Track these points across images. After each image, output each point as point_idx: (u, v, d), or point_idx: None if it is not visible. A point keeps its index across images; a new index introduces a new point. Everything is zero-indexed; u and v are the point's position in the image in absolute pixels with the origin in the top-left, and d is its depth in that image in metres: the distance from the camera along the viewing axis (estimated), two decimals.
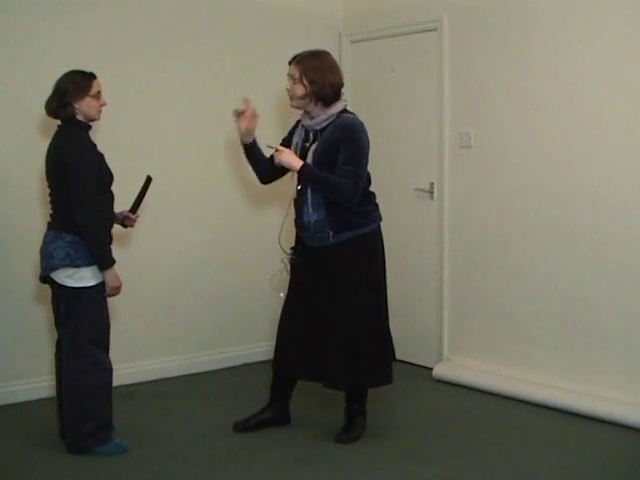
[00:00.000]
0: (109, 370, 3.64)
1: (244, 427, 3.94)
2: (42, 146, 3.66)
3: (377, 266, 3.83)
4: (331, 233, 3.69)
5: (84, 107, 3.54)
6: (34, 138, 4.21)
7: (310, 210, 3.70)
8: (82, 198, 3.47)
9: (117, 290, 3.62)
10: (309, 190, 3.70)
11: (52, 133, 3.62)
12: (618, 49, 4.09)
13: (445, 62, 4.87)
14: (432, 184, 5.03)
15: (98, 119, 3.64)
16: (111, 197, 3.67)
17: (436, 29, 4.91)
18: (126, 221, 3.85)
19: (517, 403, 4.39)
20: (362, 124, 3.70)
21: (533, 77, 4.45)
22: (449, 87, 4.88)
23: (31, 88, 4.08)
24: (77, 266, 3.52)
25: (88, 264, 3.53)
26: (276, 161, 3.72)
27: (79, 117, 3.56)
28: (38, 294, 4.32)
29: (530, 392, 4.38)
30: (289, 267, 3.89)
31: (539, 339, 4.51)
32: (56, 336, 3.76)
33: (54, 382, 3.84)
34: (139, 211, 3.85)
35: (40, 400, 4.33)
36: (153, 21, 4.74)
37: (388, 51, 5.24)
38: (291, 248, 3.88)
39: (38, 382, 4.39)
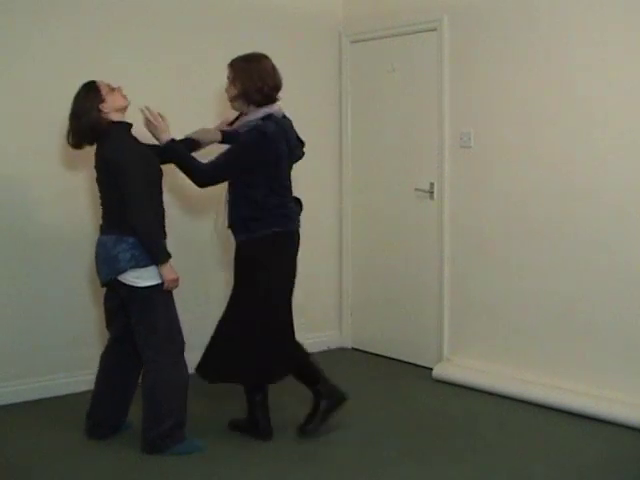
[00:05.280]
0: (186, 367, 3.68)
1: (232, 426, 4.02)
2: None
3: (262, 271, 3.73)
4: (235, 233, 3.81)
5: (109, 106, 3.58)
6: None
7: (228, 207, 3.82)
8: (131, 195, 3.50)
9: (175, 283, 3.63)
10: (234, 188, 3.78)
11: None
12: (618, 49, 4.09)
13: (445, 62, 4.87)
14: (432, 184, 5.03)
15: (128, 104, 3.66)
16: (160, 192, 3.70)
17: (436, 29, 4.91)
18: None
19: (517, 403, 4.39)
20: (264, 134, 3.66)
21: (533, 77, 4.45)
22: (449, 87, 4.88)
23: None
24: (144, 266, 3.55)
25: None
26: (145, 126, 3.76)
27: (112, 117, 3.59)
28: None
29: (530, 392, 4.37)
30: None
31: (539, 339, 4.51)
32: (107, 335, 3.84)
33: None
34: None
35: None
36: (152, 22, 4.74)
37: (388, 51, 5.25)
38: None
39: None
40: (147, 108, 3.72)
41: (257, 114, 3.74)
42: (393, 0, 5.17)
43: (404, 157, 5.20)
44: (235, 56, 3.78)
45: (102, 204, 3.69)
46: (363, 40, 5.41)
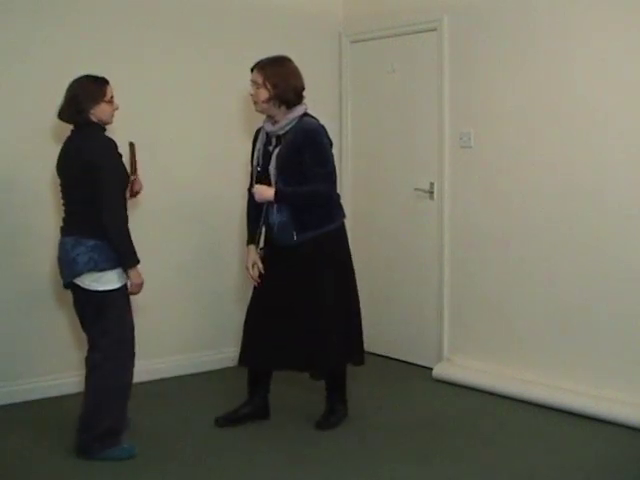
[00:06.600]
0: (131, 373, 3.65)
1: (224, 422, 4.03)
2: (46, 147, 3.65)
3: (339, 261, 3.98)
4: (294, 233, 3.85)
5: (99, 112, 3.54)
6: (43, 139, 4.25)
7: (275, 212, 3.87)
8: (109, 198, 3.47)
9: (141, 287, 3.63)
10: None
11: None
12: (618, 49, 4.09)
13: (445, 62, 4.87)
14: (432, 184, 5.03)
15: (111, 123, 3.64)
16: (125, 197, 3.68)
17: (436, 29, 4.91)
18: (135, 187, 3.79)
19: (517, 403, 4.38)
20: (323, 127, 3.89)
21: (533, 77, 4.45)
22: (449, 87, 4.88)
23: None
24: (102, 270, 3.51)
25: (112, 267, 3.52)
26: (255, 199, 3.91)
27: (93, 119, 3.55)
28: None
29: (530, 392, 4.37)
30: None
31: (539, 339, 4.51)
32: (85, 337, 3.78)
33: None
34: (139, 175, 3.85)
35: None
36: (153, 22, 4.74)
37: (388, 51, 5.25)
38: (260, 249, 4.05)
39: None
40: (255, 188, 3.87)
41: (297, 112, 3.83)
42: (393, 0, 5.17)
43: (404, 157, 5.20)
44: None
45: (65, 204, 3.64)
46: (363, 40, 5.41)
